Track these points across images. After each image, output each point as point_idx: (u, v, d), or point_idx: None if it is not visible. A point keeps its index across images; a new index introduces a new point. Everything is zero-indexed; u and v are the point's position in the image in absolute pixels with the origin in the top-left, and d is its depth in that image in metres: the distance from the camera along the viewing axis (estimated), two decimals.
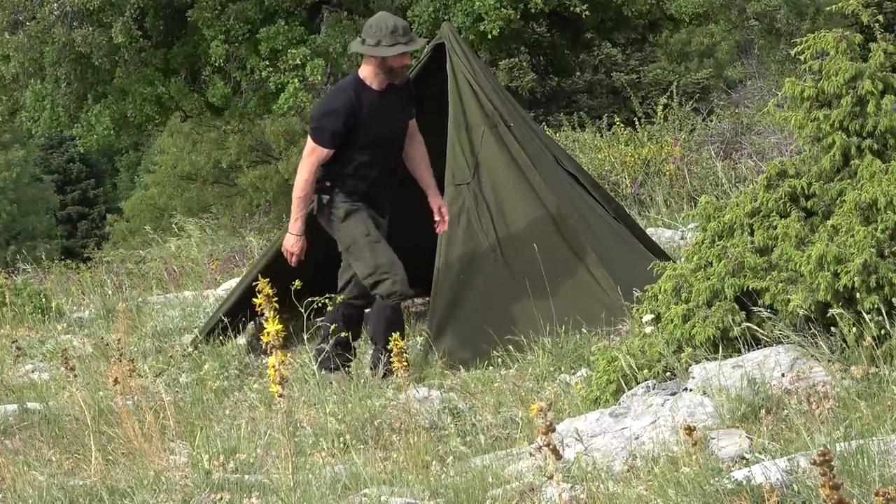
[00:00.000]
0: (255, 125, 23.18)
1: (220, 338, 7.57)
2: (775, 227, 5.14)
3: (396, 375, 5.02)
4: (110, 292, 10.53)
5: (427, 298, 7.51)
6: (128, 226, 33.47)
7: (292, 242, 6.70)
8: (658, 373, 5.01)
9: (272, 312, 3.56)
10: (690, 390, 4.67)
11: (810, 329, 4.75)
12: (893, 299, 4.61)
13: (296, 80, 16.54)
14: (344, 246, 6.74)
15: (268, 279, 3.62)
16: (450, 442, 5.02)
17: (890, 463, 3.63)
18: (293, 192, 6.70)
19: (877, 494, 2.46)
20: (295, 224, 6.69)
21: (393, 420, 5.37)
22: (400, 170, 6.93)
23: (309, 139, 6.65)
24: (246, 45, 16.87)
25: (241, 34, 16.75)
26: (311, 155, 6.60)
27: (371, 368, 6.61)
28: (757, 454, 3.98)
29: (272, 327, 3.55)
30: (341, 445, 5.05)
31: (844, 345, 4.68)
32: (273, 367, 3.57)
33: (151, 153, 39.33)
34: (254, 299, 3.65)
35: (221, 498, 4.42)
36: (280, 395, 3.60)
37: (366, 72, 6.63)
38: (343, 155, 6.62)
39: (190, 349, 7.67)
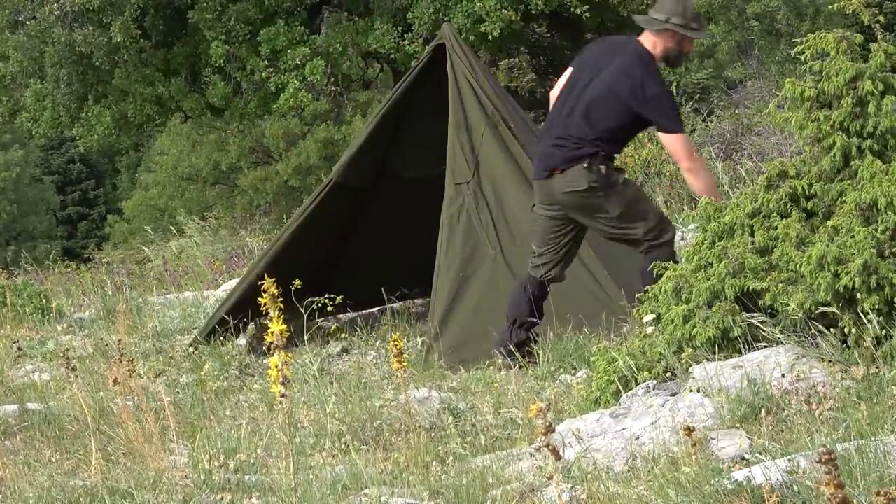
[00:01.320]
0: (255, 126, 23.18)
1: (221, 338, 7.57)
2: (776, 228, 5.14)
3: (397, 376, 5.01)
4: (110, 293, 10.53)
5: (427, 298, 7.52)
6: (128, 226, 33.49)
7: None
8: (658, 373, 5.01)
9: (276, 312, 3.56)
10: (691, 391, 4.67)
11: (810, 330, 4.75)
12: (894, 300, 4.61)
13: (296, 81, 16.55)
14: (620, 210, 6.22)
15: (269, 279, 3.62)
16: (450, 442, 5.01)
17: (890, 464, 3.63)
18: (704, 192, 6.01)
19: (878, 494, 2.46)
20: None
21: (393, 420, 5.37)
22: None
23: (674, 138, 6.19)
24: (246, 45, 16.88)
25: (241, 35, 16.76)
26: (689, 146, 6.28)
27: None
28: (757, 455, 3.98)
29: (276, 327, 3.54)
30: (342, 446, 5.05)
31: (844, 345, 4.68)
32: (275, 367, 3.57)
33: (152, 154, 39.34)
34: (258, 299, 3.65)
35: (222, 498, 4.42)
36: (282, 396, 3.60)
37: (659, 50, 6.26)
38: (628, 136, 6.52)
39: (190, 350, 7.67)
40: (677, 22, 6.17)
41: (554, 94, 6.54)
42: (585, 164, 6.17)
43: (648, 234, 6.20)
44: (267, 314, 3.57)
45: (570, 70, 6.55)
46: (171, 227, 15.84)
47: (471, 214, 7.04)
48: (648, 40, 6.28)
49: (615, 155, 6.32)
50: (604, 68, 6.30)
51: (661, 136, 6.32)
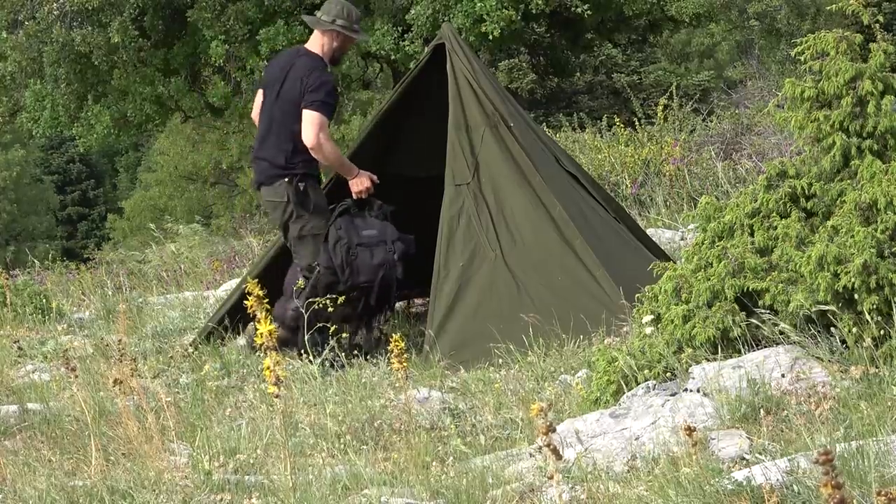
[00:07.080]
0: (255, 126, 23.15)
1: (221, 338, 7.57)
2: (775, 228, 5.14)
3: (397, 376, 5.00)
4: (110, 293, 10.53)
5: (427, 298, 7.51)
6: (129, 224, 33.50)
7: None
8: (658, 373, 5.01)
9: (264, 313, 3.56)
10: (690, 391, 4.67)
11: (810, 330, 4.75)
12: (893, 300, 4.61)
13: None
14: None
15: (264, 280, 3.62)
16: (450, 442, 5.01)
17: (890, 464, 3.63)
18: (332, 163, 7.12)
19: (878, 494, 2.45)
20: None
21: (393, 420, 5.37)
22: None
23: (313, 115, 6.87)
24: (246, 45, 16.87)
25: (241, 34, 16.75)
26: (323, 127, 6.98)
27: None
28: (757, 455, 3.99)
29: (264, 328, 3.54)
30: (341, 446, 5.05)
31: (844, 345, 4.68)
32: (268, 368, 3.57)
33: (152, 154, 39.34)
34: (245, 301, 3.65)
35: (222, 499, 4.42)
36: (276, 396, 3.60)
37: (326, 48, 7.07)
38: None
39: (190, 350, 7.66)
40: (342, 24, 6.93)
41: (254, 116, 7.38)
42: (287, 180, 6.91)
43: (305, 269, 6.88)
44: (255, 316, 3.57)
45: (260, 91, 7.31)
46: (173, 226, 15.83)
47: (471, 215, 7.04)
48: (316, 41, 7.02)
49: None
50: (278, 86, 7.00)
51: (304, 112, 6.81)
